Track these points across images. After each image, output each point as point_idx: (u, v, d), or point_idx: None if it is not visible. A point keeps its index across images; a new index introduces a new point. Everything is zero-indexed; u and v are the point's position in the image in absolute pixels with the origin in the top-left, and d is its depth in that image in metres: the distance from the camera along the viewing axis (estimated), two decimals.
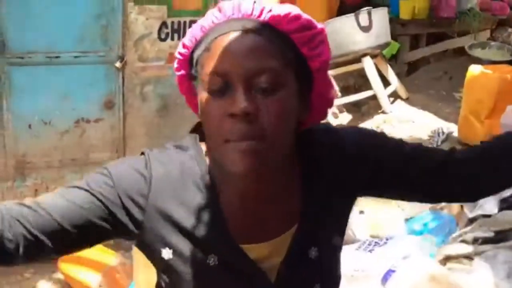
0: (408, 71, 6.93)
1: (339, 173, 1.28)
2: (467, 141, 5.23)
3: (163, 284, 1.30)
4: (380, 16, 5.87)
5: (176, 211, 1.21)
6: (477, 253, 2.88)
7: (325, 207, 1.28)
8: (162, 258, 1.23)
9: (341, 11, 6.59)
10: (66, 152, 3.80)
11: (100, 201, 1.18)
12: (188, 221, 1.22)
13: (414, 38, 7.07)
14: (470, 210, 3.41)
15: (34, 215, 1.15)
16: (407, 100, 6.27)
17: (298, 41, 1.16)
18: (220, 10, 1.19)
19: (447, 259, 2.95)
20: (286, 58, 1.14)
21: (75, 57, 3.69)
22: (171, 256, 1.23)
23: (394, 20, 6.55)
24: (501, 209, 3.36)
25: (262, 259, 1.24)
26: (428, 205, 3.48)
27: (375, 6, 6.00)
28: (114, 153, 3.87)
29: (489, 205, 3.38)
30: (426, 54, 7.10)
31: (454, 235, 3.18)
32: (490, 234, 3.00)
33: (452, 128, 5.52)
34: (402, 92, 6.26)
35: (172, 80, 4.42)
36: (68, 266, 3.50)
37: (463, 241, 3.05)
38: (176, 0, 3.82)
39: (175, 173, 1.22)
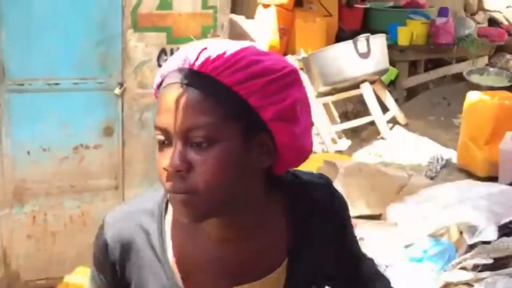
0: (406, 97, 6.96)
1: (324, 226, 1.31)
2: (466, 167, 5.23)
3: None
4: (379, 42, 5.91)
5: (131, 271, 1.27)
6: (477, 280, 2.87)
7: (313, 244, 1.28)
8: None
9: (340, 37, 6.64)
10: (64, 178, 3.79)
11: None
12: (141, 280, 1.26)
13: (413, 64, 7.11)
14: (469, 237, 3.41)
15: None
16: (406, 126, 6.28)
17: (243, 92, 1.11)
18: (171, 59, 1.17)
19: (447, 286, 2.93)
20: (225, 112, 1.10)
21: (75, 83, 3.70)
22: None
23: (393, 46, 6.59)
24: (500, 235, 3.36)
25: None
26: (427, 231, 3.47)
27: (374, 32, 6.04)
28: (113, 180, 3.86)
29: (488, 231, 3.38)
30: (425, 80, 7.13)
31: (454, 262, 3.17)
32: (490, 261, 2.99)
33: (451, 154, 5.53)
34: (401, 118, 6.28)
35: None
36: None
37: (463, 268, 3.04)
38: (175, 27, 3.84)
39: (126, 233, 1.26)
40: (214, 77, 1.11)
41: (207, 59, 1.12)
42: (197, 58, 1.12)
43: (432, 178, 5.10)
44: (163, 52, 3.84)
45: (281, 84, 1.13)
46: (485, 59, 7.37)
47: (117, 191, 3.89)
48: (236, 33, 5.03)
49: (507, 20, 8.36)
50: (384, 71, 6.13)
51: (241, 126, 1.12)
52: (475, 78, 6.79)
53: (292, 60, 5.92)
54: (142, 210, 1.27)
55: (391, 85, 6.81)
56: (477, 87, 6.24)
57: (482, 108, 5.09)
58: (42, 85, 3.63)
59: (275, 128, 1.14)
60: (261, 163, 1.16)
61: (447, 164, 5.44)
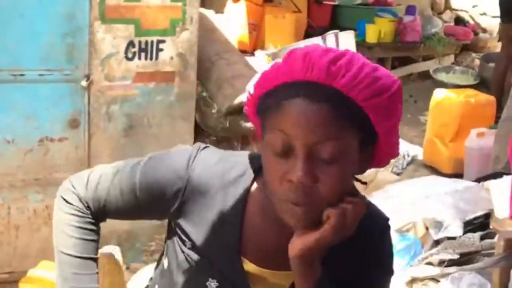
0: None
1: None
2: (432, 164, 5.28)
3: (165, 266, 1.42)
4: (347, 39, 5.92)
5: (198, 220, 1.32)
6: (443, 275, 2.89)
7: (338, 264, 1.29)
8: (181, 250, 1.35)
9: (309, 34, 6.64)
10: (29, 171, 3.73)
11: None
12: (205, 235, 1.31)
13: (380, 61, 7.15)
14: (435, 232, 3.43)
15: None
16: None
17: (368, 108, 1.15)
18: (291, 66, 1.16)
19: (413, 281, 2.95)
20: (352, 127, 1.15)
21: (40, 75, 3.64)
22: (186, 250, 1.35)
23: (361, 43, 6.62)
24: (465, 231, 3.39)
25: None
26: (394, 227, 3.49)
27: (342, 29, 6.05)
28: None
29: (454, 227, 3.41)
30: None
31: (420, 257, 3.19)
32: (456, 257, 3.02)
33: (417, 151, 5.57)
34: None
35: (139, 99, 4.37)
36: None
37: (429, 263, 3.06)
38: (143, 20, 3.80)
39: (213, 183, 1.30)
40: (345, 93, 1.14)
41: (337, 74, 1.14)
42: (326, 72, 1.14)
43: (398, 174, 5.13)
44: (131, 44, 3.81)
45: (395, 99, 1.18)
46: (451, 58, 7.44)
47: None
48: (206, 27, 4.99)
49: (473, 19, 8.46)
50: None
51: (360, 139, 1.17)
52: (441, 76, 6.86)
53: (262, 55, 5.91)
54: (234, 177, 1.31)
55: None
56: (443, 85, 6.29)
57: (448, 106, 5.14)
58: (7, 76, 3.57)
59: (384, 140, 1.20)
60: (362, 171, 1.23)
61: (413, 160, 5.48)
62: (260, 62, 5.66)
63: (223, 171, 1.30)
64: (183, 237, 1.34)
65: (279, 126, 1.14)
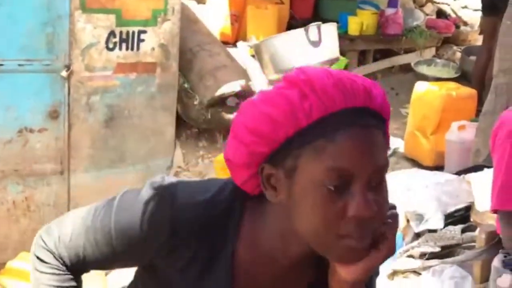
0: None
1: None
2: (413, 156, 5.29)
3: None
4: (330, 31, 5.91)
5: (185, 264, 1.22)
6: (425, 268, 2.89)
7: None
8: None
9: (291, 25, 6.62)
10: (8, 162, 3.69)
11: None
12: (193, 282, 1.23)
13: (362, 54, 7.14)
14: (416, 225, 3.44)
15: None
16: None
17: (387, 123, 1.17)
18: (326, 94, 1.09)
19: (394, 273, 2.96)
20: (387, 144, 1.15)
21: (20, 65, 3.59)
22: None
23: (343, 36, 6.60)
24: (446, 224, 3.40)
25: None
26: None
27: (325, 21, 6.03)
28: (58, 165, 3.78)
29: (435, 220, 3.42)
30: (373, 70, 7.17)
31: (401, 249, 3.19)
32: (437, 249, 3.03)
33: (398, 144, 5.57)
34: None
35: (120, 90, 4.33)
36: (7, 279, 3.40)
37: (410, 256, 3.07)
38: (124, 10, 3.77)
39: (198, 223, 1.20)
40: (382, 115, 1.13)
41: (375, 97, 1.12)
42: (366, 96, 1.11)
43: None
44: (112, 34, 3.77)
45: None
46: (432, 51, 7.45)
47: (62, 176, 3.81)
48: (187, 18, 4.96)
49: (454, 12, 8.48)
50: (334, 60, 6.13)
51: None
52: (422, 69, 6.86)
53: (244, 46, 5.88)
54: (219, 214, 1.21)
55: None
56: (424, 78, 6.30)
57: (429, 99, 5.15)
58: None
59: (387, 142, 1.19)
60: None
61: (395, 153, 5.49)
62: (242, 54, 5.64)
63: (205, 209, 1.20)
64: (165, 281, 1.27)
65: (338, 162, 1.07)
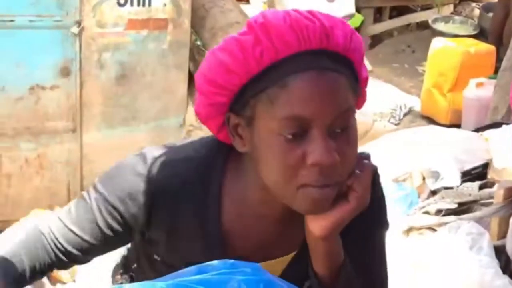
0: (371, 44, 6.90)
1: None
2: (429, 114, 5.23)
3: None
4: None
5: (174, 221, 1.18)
6: (441, 224, 2.86)
7: None
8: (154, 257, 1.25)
9: None
10: (20, 120, 3.67)
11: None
12: (182, 241, 1.19)
13: (378, 11, 7.03)
14: (432, 183, 3.40)
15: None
16: (370, 72, 6.22)
17: (357, 63, 1.10)
18: (279, 38, 1.03)
19: (410, 230, 2.93)
20: (354, 88, 1.08)
21: (30, 21, 3.55)
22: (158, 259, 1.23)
23: None
24: (463, 181, 3.36)
25: None
26: (391, 176, 3.45)
27: None
28: (70, 122, 3.75)
29: (451, 177, 3.37)
30: (390, 28, 7.07)
31: (416, 206, 3.16)
32: (454, 206, 2.99)
33: (414, 102, 5.51)
34: (365, 65, 6.24)
35: (131, 47, 4.27)
36: None
37: (426, 212, 3.03)
38: None
39: (179, 183, 1.17)
40: (344, 55, 1.07)
41: (336, 38, 1.05)
42: (323, 37, 1.04)
43: (395, 126, 5.09)
44: None
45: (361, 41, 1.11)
46: (450, 7, 7.32)
47: (75, 134, 3.78)
48: None
49: None
50: (349, 16, 6.05)
51: (353, 92, 1.08)
52: (440, 26, 6.75)
53: (257, 2, 5.80)
54: (201, 172, 1.17)
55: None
56: (442, 35, 6.19)
57: (446, 55, 5.06)
58: None
59: (363, 86, 1.14)
60: None
61: (410, 111, 5.44)
62: (256, 10, 5.56)
63: (186, 168, 1.17)
64: (155, 247, 1.23)
65: (293, 110, 1.02)
